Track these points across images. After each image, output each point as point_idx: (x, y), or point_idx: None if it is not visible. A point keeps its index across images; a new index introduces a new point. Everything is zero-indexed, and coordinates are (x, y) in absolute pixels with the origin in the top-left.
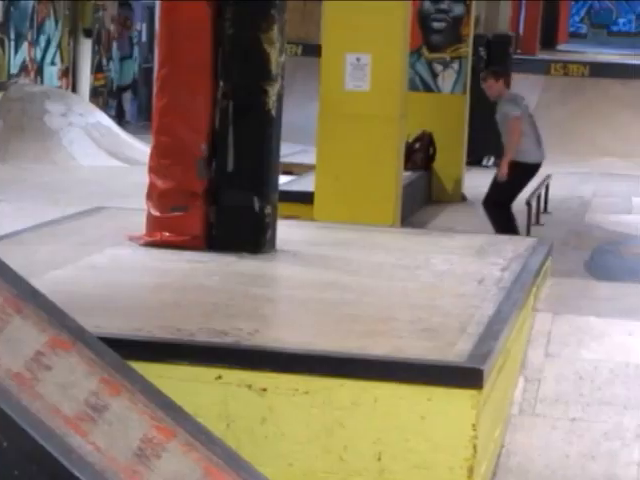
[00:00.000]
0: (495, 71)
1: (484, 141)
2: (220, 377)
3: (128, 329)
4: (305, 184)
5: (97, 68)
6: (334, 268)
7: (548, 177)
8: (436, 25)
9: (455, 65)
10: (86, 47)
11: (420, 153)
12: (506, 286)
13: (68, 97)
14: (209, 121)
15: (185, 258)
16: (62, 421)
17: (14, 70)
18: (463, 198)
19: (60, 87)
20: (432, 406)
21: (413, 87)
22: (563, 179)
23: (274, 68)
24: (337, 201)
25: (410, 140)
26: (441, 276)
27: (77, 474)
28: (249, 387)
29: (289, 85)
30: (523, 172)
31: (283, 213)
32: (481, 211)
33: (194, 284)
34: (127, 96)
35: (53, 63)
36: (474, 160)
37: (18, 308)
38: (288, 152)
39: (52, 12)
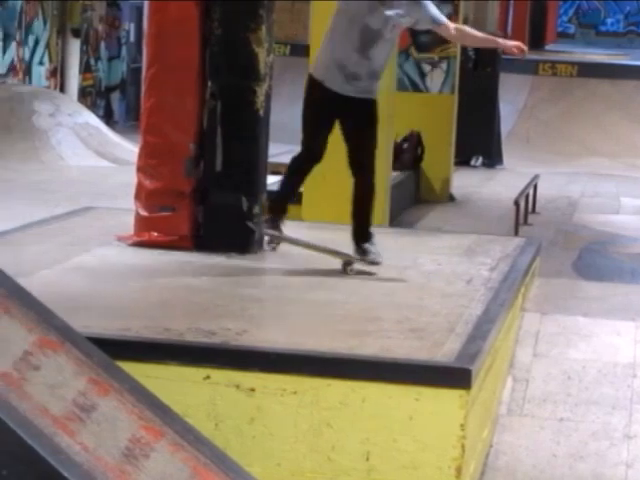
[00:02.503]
0: None
1: (472, 141)
2: (208, 377)
3: (116, 329)
4: None
5: (85, 68)
6: (322, 268)
7: (536, 177)
8: None
9: (443, 65)
10: (74, 47)
11: (408, 153)
12: (494, 286)
13: (56, 97)
14: (197, 121)
15: (173, 258)
16: (50, 421)
17: (2, 70)
18: (451, 198)
19: (48, 87)
20: (420, 406)
21: (401, 87)
22: (551, 179)
23: (262, 68)
24: (325, 201)
25: (398, 140)
26: (429, 276)
27: (65, 474)
28: (237, 387)
29: (277, 85)
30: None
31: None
32: (470, 211)
33: (182, 284)
34: (115, 96)
35: (41, 63)
36: (462, 160)
37: (6, 308)
38: (276, 152)
39: (40, 12)
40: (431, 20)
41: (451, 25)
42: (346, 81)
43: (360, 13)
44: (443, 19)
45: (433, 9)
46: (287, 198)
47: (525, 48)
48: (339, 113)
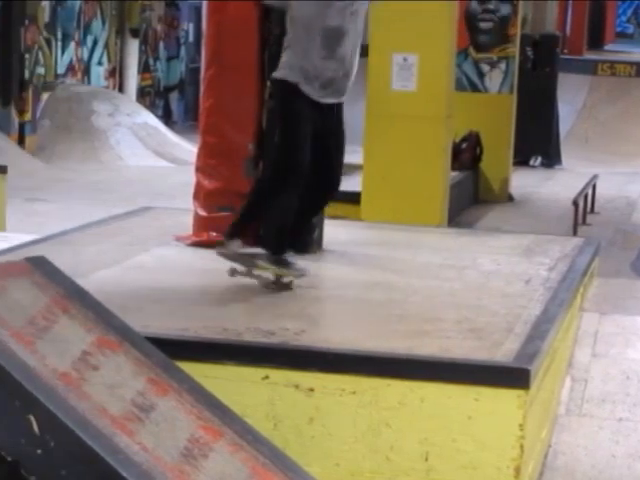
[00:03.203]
0: None
1: (531, 141)
2: (267, 377)
3: (175, 329)
4: (352, 184)
5: (144, 68)
6: (381, 268)
7: (595, 177)
8: (483, 25)
9: (502, 65)
10: (133, 47)
11: (467, 153)
12: (553, 286)
13: (115, 97)
14: (256, 121)
15: None
16: (109, 421)
17: (61, 70)
18: (510, 198)
19: (107, 87)
20: (479, 406)
21: (460, 87)
22: (610, 179)
23: None
24: (384, 201)
25: (457, 140)
26: (488, 276)
27: (124, 474)
28: (296, 387)
29: None
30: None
31: (330, 213)
32: (528, 211)
33: (241, 284)
34: (174, 96)
35: (100, 63)
36: (521, 160)
37: (65, 308)
38: None
39: (99, 12)
40: None
41: None
42: (324, 88)
43: (314, 15)
44: None
45: None
46: (252, 222)
47: None
48: (317, 118)
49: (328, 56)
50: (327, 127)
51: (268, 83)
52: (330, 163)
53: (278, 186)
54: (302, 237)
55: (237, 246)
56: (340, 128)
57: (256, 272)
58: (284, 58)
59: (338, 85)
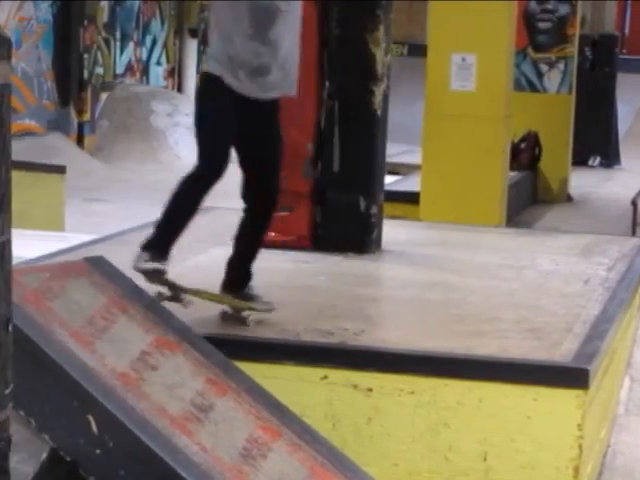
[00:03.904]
0: None
1: (590, 141)
2: (326, 377)
3: (234, 329)
4: (411, 184)
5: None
6: (439, 268)
7: None
8: (542, 25)
9: (561, 65)
10: (192, 47)
11: (526, 153)
12: (612, 286)
13: (174, 97)
14: (315, 121)
15: (291, 258)
16: (168, 421)
17: (120, 70)
18: (569, 198)
19: (166, 87)
20: (538, 406)
21: (519, 87)
22: None
23: (380, 68)
24: (443, 201)
25: (516, 140)
26: (547, 276)
27: (183, 474)
28: (355, 387)
29: (395, 85)
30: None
31: (389, 213)
32: (587, 211)
33: (300, 284)
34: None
35: (159, 63)
36: (580, 160)
37: (124, 308)
38: (394, 152)
39: (158, 12)
40: None
41: None
42: (251, 78)
43: None
44: None
45: None
46: (177, 231)
47: None
48: (241, 116)
49: (256, 37)
50: (257, 127)
51: (327, 83)
52: (262, 170)
53: (194, 186)
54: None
55: (150, 259)
56: (273, 131)
57: (187, 297)
58: (210, 50)
59: (271, 77)
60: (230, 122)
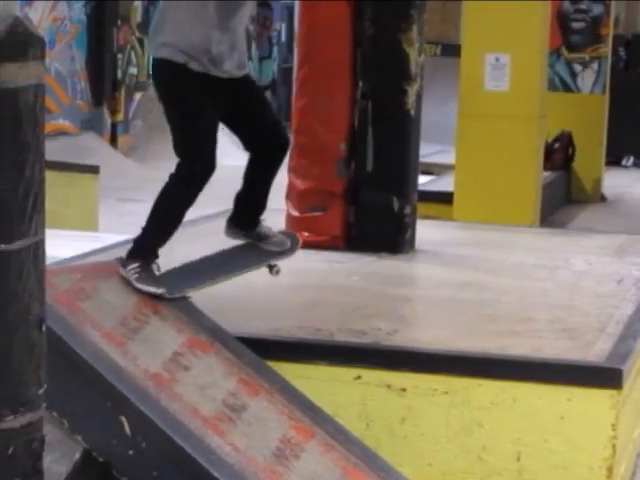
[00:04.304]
0: None
1: (623, 141)
2: (359, 377)
3: (267, 329)
4: (444, 184)
5: None
6: (473, 268)
7: None
8: (575, 25)
9: (594, 65)
10: None
11: (559, 153)
12: None
13: None
14: (348, 121)
15: (324, 258)
16: (201, 422)
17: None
18: (603, 198)
19: None
20: (571, 406)
21: (552, 87)
22: None
23: (413, 68)
24: (476, 201)
25: (549, 140)
26: (580, 276)
27: (217, 475)
28: (388, 387)
29: (428, 85)
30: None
31: (422, 213)
32: (621, 211)
33: (333, 284)
34: (266, 96)
35: None
36: (613, 160)
37: (156, 309)
38: (427, 152)
39: None
40: None
41: None
42: (212, 64)
43: None
44: None
45: None
46: (165, 238)
47: None
48: (223, 99)
49: (219, 26)
50: (239, 94)
51: (360, 83)
52: (267, 120)
53: (192, 181)
54: (259, 215)
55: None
56: (255, 88)
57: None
58: (164, 38)
59: (229, 62)
60: (207, 107)
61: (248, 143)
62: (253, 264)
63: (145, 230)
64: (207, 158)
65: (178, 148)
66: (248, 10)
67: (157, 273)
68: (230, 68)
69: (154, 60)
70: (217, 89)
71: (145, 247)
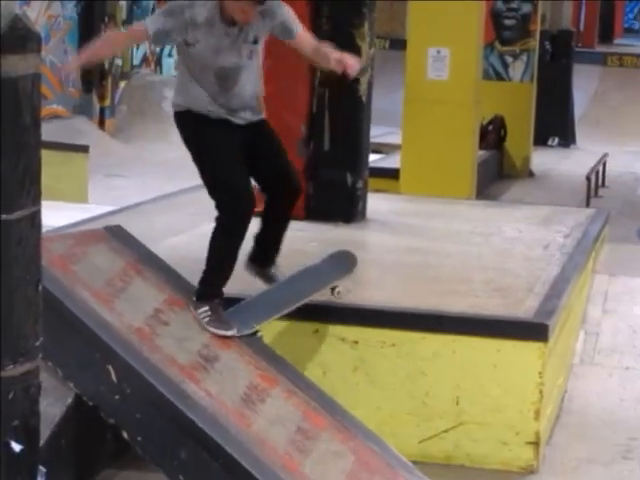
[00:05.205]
0: None
1: (549, 124)
2: (317, 331)
3: (237, 289)
4: (392, 162)
5: None
6: (418, 235)
7: (605, 155)
8: (507, 22)
9: (524, 57)
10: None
11: (493, 134)
12: (568, 251)
13: None
14: (308, 106)
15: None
16: (178, 370)
17: (136, 62)
18: (531, 174)
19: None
20: (504, 357)
21: (487, 76)
22: (618, 157)
23: (365, 60)
24: (420, 176)
25: (484, 123)
26: (511, 242)
27: (192, 416)
28: (342, 340)
29: (378, 75)
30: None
31: (373, 187)
32: (547, 185)
33: (295, 249)
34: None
35: (170, 55)
36: (540, 140)
37: (139, 271)
38: (377, 133)
39: None
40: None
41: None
42: (229, 114)
43: (207, 58)
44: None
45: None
46: (224, 276)
47: (350, 65)
48: (240, 141)
49: (223, 92)
50: (254, 137)
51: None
52: (278, 166)
53: (234, 224)
54: (270, 255)
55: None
56: (269, 132)
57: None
58: (175, 98)
59: (242, 114)
60: (229, 146)
61: (261, 186)
62: (312, 290)
63: (205, 273)
64: (234, 191)
65: (209, 192)
66: (253, 67)
67: (224, 313)
68: (243, 117)
69: (176, 110)
70: (234, 128)
71: (209, 290)
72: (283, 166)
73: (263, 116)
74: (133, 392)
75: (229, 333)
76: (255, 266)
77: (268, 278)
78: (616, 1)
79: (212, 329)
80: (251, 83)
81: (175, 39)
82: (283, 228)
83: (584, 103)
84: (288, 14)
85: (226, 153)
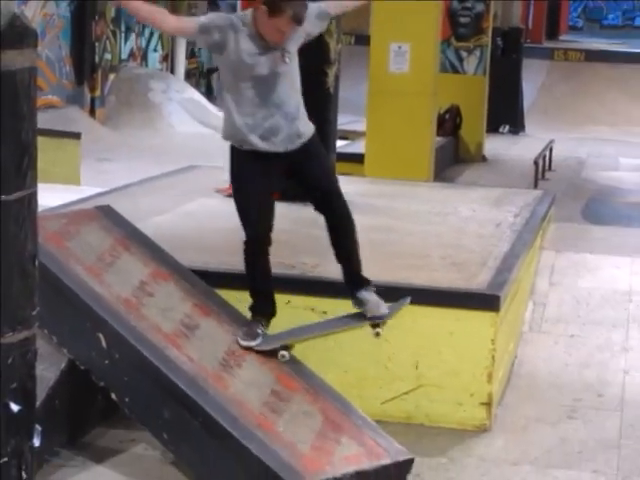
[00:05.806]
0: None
1: (500, 113)
2: (289, 302)
3: (215, 263)
4: (357, 147)
5: (191, 54)
6: (381, 215)
7: (552, 141)
8: (462, 20)
9: (477, 52)
10: (182, 38)
11: (449, 122)
12: (518, 229)
13: (167, 77)
14: None
15: None
16: (162, 337)
17: (124, 56)
18: (484, 159)
19: (161, 70)
20: (459, 325)
21: (443, 69)
22: (564, 143)
23: (332, 54)
24: (383, 161)
25: (441, 112)
26: (466, 221)
27: (174, 379)
28: (312, 310)
29: (344, 68)
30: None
31: (339, 170)
32: (498, 169)
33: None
34: (215, 76)
35: (155, 50)
36: (492, 128)
37: (126, 247)
38: (344, 121)
39: None
40: (325, 17)
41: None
42: (264, 140)
43: (243, 63)
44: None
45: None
46: (267, 292)
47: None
48: (276, 171)
49: (263, 104)
50: (294, 163)
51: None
52: (315, 177)
53: (249, 252)
54: (351, 272)
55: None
56: (313, 153)
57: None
58: (229, 121)
59: (285, 132)
60: (256, 183)
61: (314, 207)
62: (345, 325)
63: (249, 292)
64: (249, 228)
65: (241, 219)
66: (291, 75)
67: (260, 331)
68: (283, 141)
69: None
70: (269, 160)
71: (251, 308)
72: (326, 190)
73: (309, 133)
74: (121, 357)
75: (252, 344)
76: (349, 291)
77: (357, 302)
78: (562, 1)
79: (241, 342)
80: (291, 89)
81: (218, 38)
82: (345, 242)
83: (533, 94)
84: (313, 5)
85: (253, 191)
